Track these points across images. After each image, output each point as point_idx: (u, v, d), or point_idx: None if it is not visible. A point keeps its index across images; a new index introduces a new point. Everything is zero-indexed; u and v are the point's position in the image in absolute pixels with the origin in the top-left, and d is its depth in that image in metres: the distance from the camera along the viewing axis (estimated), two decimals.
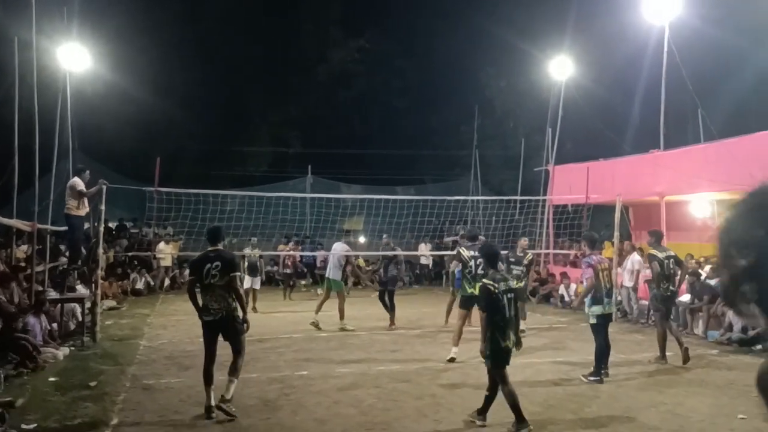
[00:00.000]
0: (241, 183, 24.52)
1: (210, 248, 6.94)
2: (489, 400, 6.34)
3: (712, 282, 12.39)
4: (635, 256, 13.77)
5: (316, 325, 12.24)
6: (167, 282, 19.64)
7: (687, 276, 11.06)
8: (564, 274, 16.95)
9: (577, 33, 23.42)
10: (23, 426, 6.23)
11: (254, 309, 14.18)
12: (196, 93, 26.77)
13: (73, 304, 11.83)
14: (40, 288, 11.31)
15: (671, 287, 9.45)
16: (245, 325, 6.82)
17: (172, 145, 25.27)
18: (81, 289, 12.10)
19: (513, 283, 6.47)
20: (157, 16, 25.53)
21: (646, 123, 22.18)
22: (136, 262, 19.13)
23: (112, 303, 15.50)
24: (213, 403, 6.61)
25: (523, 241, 12.86)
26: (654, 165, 15.02)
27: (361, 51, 32.20)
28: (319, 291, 16.29)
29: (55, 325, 10.88)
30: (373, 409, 6.91)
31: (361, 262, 19.96)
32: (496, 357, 6.21)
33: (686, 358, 8.99)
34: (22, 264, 12.52)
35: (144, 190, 14.58)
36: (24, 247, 14.70)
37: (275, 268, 21.46)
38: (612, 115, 24.75)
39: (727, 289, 1.04)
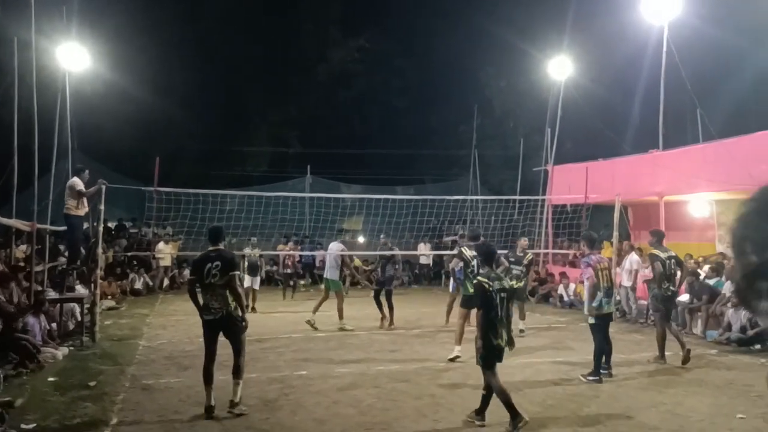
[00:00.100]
0: (240, 183, 24.53)
1: (211, 248, 6.98)
2: (487, 399, 6.35)
3: (711, 282, 12.41)
4: (633, 256, 13.78)
5: (311, 324, 12.24)
6: (166, 282, 19.64)
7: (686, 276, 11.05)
8: (563, 274, 16.97)
9: (576, 33, 23.41)
10: (23, 426, 6.23)
11: (253, 309, 14.19)
12: (195, 92, 26.77)
13: (72, 304, 11.83)
14: (40, 288, 11.31)
15: (671, 287, 9.45)
16: (243, 324, 6.85)
17: (172, 144, 25.27)
18: (80, 289, 12.10)
19: (507, 283, 6.51)
20: (157, 15, 25.52)
21: (645, 123, 22.19)
22: (135, 262, 19.12)
23: (111, 303, 15.50)
24: (212, 403, 6.64)
25: (523, 241, 12.86)
26: (653, 165, 15.03)
27: (361, 51, 32.20)
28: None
29: (54, 325, 10.88)
30: (372, 409, 6.92)
31: (357, 262, 19.99)
32: (488, 355, 6.25)
33: (686, 360, 8.99)
34: (21, 264, 12.51)
35: (143, 190, 14.59)
36: (23, 247, 14.69)
37: (275, 267, 21.46)
38: (611, 115, 24.76)
39: (741, 287, 1.03)
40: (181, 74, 26.38)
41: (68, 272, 11.85)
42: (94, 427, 6.31)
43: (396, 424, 6.43)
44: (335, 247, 12.83)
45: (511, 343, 6.43)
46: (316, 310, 12.49)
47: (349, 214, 19.49)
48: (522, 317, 11.97)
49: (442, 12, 31.21)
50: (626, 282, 13.64)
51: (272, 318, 13.91)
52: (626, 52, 22.93)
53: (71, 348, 10.11)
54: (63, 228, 12.36)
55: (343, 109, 31.66)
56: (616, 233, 14.46)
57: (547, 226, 19.14)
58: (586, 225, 17.79)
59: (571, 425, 6.40)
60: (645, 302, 13.46)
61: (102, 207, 11.30)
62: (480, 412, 6.38)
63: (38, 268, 11.83)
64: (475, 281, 6.78)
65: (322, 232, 20.68)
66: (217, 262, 6.74)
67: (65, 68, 15.35)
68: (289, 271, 18.61)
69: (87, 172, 11.60)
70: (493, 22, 27.81)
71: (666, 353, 9.37)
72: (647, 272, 13.99)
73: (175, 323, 13.12)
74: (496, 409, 6.62)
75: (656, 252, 9.53)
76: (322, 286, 13.29)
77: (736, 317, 10.99)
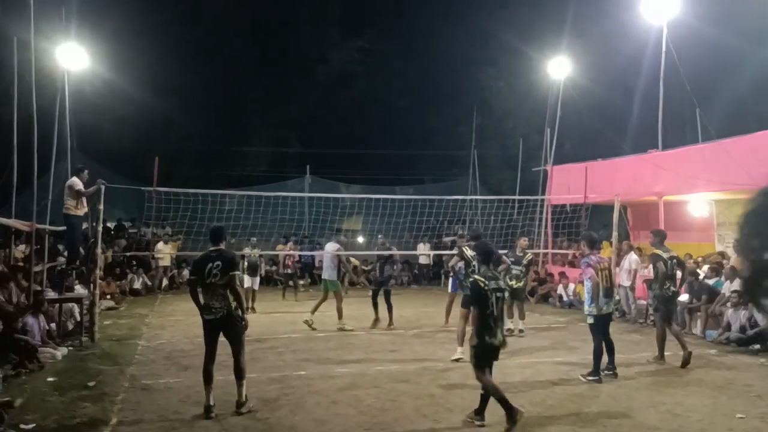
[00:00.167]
0: (239, 183, 24.51)
1: (212, 248, 6.99)
2: (485, 399, 6.36)
3: (711, 282, 12.41)
4: (632, 256, 13.79)
5: (309, 325, 12.24)
6: (165, 282, 19.64)
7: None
8: (562, 274, 16.98)
9: (575, 33, 23.48)
10: (22, 426, 6.22)
11: (252, 309, 14.18)
12: (194, 93, 26.74)
13: (71, 304, 11.82)
14: (39, 288, 11.30)
15: (672, 288, 9.44)
16: (244, 323, 6.87)
17: (171, 144, 25.24)
18: (79, 289, 12.09)
19: (503, 283, 6.56)
20: (156, 16, 25.51)
21: (644, 123, 22.21)
22: (134, 263, 19.11)
23: (110, 303, 15.50)
24: (211, 402, 6.65)
25: (523, 241, 12.87)
26: (652, 165, 15.04)
27: (361, 51, 32.19)
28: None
29: (53, 325, 10.86)
30: (371, 409, 6.92)
31: (356, 262, 20.01)
32: (480, 354, 6.29)
33: (687, 362, 8.97)
34: (20, 264, 12.50)
35: (142, 190, 14.57)
36: (22, 247, 14.68)
37: (274, 268, 21.46)
38: (610, 115, 24.81)
39: (749, 284, 1.02)
40: (181, 74, 26.35)
41: (67, 272, 11.84)
42: (94, 428, 6.30)
43: (395, 424, 6.43)
44: (331, 248, 12.82)
45: (503, 342, 6.45)
46: (314, 310, 12.49)
47: (348, 214, 19.49)
48: (521, 317, 11.98)
49: (442, 13, 31.25)
50: (625, 282, 13.65)
51: (272, 318, 13.91)
52: (625, 52, 22.96)
53: (70, 348, 10.11)
54: (62, 228, 12.35)
55: (342, 109, 31.65)
56: (615, 233, 14.47)
57: (546, 226, 19.15)
58: (586, 225, 17.80)
59: (571, 425, 6.40)
60: (644, 302, 13.47)
61: (101, 207, 11.30)
62: (479, 412, 6.38)
63: (37, 268, 11.82)
64: (471, 279, 6.80)
65: (322, 232, 20.70)
66: (218, 262, 6.76)
67: (64, 68, 15.34)
68: (289, 271, 18.60)
69: (86, 172, 11.59)
70: (493, 23, 27.85)
71: (665, 353, 9.38)
72: (646, 272, 14.02)
73: (174, 323, 13.12)
74: (495, 408, 6.62)
75: (659, 252, 9.51)
76: (321, 287, 13.28)
77: (736, 317, 11.00)
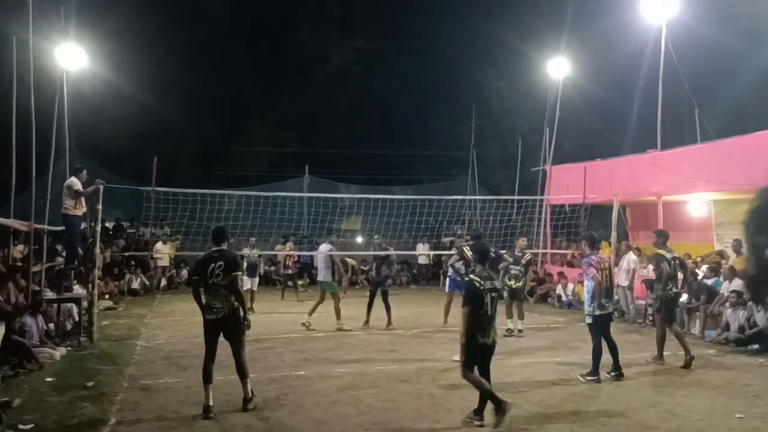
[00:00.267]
0: (238, 183, 24.49)
1: (214, 248, 7.02)
2: (484, 398, 6.36)
3: (710, 282, 12.42)
4: (631, 256, 13.80)
5: (307, 326, 12.23)
6: (164, 282, 19.62)
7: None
8: (561, 274, 16.98)
9: (574, 33, 23.49)
10: (20, 426, 6.21)
11: (251, 309, 14.15)
12: (193, 93, 26.74)
13: (69, 304, 11.80)
14: (37, 288, 11.28)
15: (675, 288, 9.43)
16: (246, 323, 6.89)
17: (170, 144, 25.22)
18: (78, 289, 12.07)
19: (498, 283, 6.59)
20: (155, 16, 25.50)
21: (643, 123, 22.21)
22: (133, 263, 19.09)
23: (109, 303, 15.48)
24: (211, 402, 6.64)
25: (522, 241, 12.88)
26: (651, 165, 15.05)
27: (360, 51, 32.18)
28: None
29: (52, 325, 10.85)
30: (371, 409, 6.91)
31: (352, 261, 20.00)
32: (469, 353, 6.33)
33: (687, 365, 8.95)
34: (19, 264, 12.48)
35: (141, 190, 14.56)
36: (20, 247, 14.65)
37: (272, 268, 21.45)
38: (609, 115, 24.81)
39: (753, 282, 1.00)
40: (180, 74, 26.34)
41: (66, 272, 11.83)
42: (93, 428, 6.29)
43: (395, 424, 6.42)
44: (324, 248, 12.81)
45: (495, 343, 6.48)
46: (311, 312, 12.47)
47: (347, 214, 19.49)
48: (521, 317, 11.98)
49: (441, 13, 31.27)
50: (624, 282, 13.65)
51: (271, 318, 13.90)
52: (624, 53, 22.96)
53: (69, 348, 10.09)
54: (61, 228, 12.34)
55: (341, 109, 31.66)
56: (614, 233, 14.47)
57: (545, 226, 19.16)
58: (585, 225, 17.82)
59: (570, 425, 6.40)
60: (643, 302, 13.49)
61: (100, 207, 11.29)
62: (479, 412, 6.38)
63: (36, 268, 11.80)
64: (466, 279, 6.82)
65: (321, 233, 20.66)
66: (221, 262, 6.78)
67: (63, 68, 15.33)
68: (290, 271, 18.59)
69: (85, 172, 11.59)
70: (492, 23, 27.87)
71: (664, 353, 9.38)
72: (645, 272, 14.04)
73: (173, 323, 13.11)
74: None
75: (662, 252, 9.49)
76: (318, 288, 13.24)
77: (735, 317, 11.01)
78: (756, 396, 7.49)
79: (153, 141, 23.86)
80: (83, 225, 12.22)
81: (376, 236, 14.11)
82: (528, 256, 12.78)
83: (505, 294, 11.96)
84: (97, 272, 11.71)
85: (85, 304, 11.34)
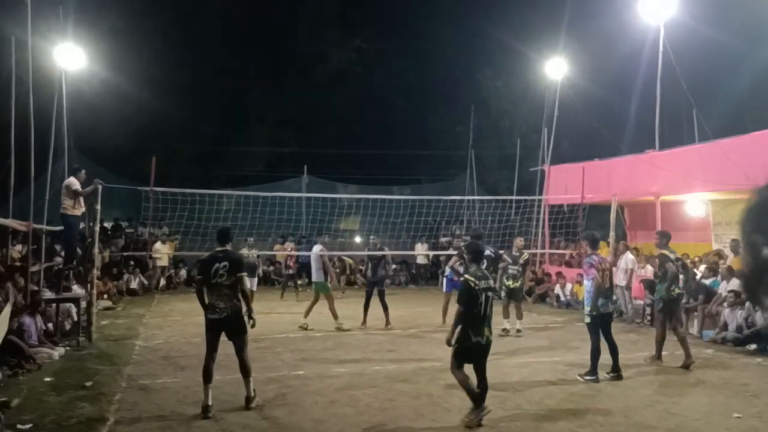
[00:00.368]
0: (237, 183, 24.49)
1: (218, 248, 7.05)
2: (482, 397, 6.37)
3: (708, 281, 12.44)
4: (629, 255, 13.83)
5: (305, 328, 12.23)
6: (163, 282, 19.61)
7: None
8: (560, 274, 17.00)
9: (572, 33, 23.50)
10: (19, 426, 6.21)
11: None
12: (192, 92, 26.70)
13: (68, 304, 11.80)
14: (36, 288, 11.28)
15: (677, 289, 9.42)
16: (251, 321, 6.95)
17: (169, 144, 25.21)
18: (76, 289, 12.07)
19: (492, 282, 6.62)
20: (154, 16, 25.49)
21: (641, 123, 22.27)
22: (131, 263, 19.08)
23: (107, 303, 15.48)
24: (210, 402, 6.65)
25: (519, 241, 12.91)
26: (649, 165, 15.07)
27: (359, 51, 32.18)
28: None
29: (50, 325, 10.84)
30: (370, 409, 6.92)
31: (349, 260, 20.01)
32: (461, 352, 6.38)
33: (686, 367, 8.95)
34: (18, 263, 12.49)
35: (140, 190, 14.55)
36: (19, 247, 14.66)
37: (271, 268, 21.45)
38: (608, 115, 24.85)
39: (749, 280, 1.00)
40: (178, 74, 26.32)
41: (64, 272, 11.83)
42: (91, 428, 6.29)
43: (393, 424, 6.43)
44: (315, 249, 12.82)
45: (490, 343, 6.51)
46: (307, 314, 12.46)
47: (346, 214, 19.50)
48: (519, 317, 11.99)
49: (440, 13, 31.27)
50: (621, 282, 13.67)
51: (270, 318, 13.89)
52: (623, 52, 22.98)
53: (68, 348, 10.09)
54: (59, 228, 12.34)
55: (340, 109, 31.62)
56: (612, 233, 14.49)
57: (543, 226, 19.18)
58: (583, 225, 17.86)
59: (569, 424, 6.41)
60: (641, 302, 13.51)
61: (98, 207, 11.28)
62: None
63: (34, 268, 11.81)
64: (461, 279, 6.85)
65: (319, 233, 20.66)
66: (225, 263, 6.82)
67: (62, 68, 15.32)
68: (291, 271, 18.58)
69: (83, 171, 11.59)
70: (490, 23, 27.88)
71: (662, 353, 9.39)
72: (643, 272, 14.07)
73: (172, 323, 13.11)
74: (494, 409, 6.64)
75: (666, 253, 9.47)
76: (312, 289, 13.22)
77: (733, 317, 11.03)
78: (754, 395, 7.50)
79: (151, 141, 23.83)
80: (82, 225, 12.22)
81: (371, 237, 14.10)
82: (525, 256, 12.80)
83: (503, 294, 12.00)
84: (95, 272, 11.70)
85: (83, 304, 11.34)
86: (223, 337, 6.91)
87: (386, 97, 31.59)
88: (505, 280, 12.11)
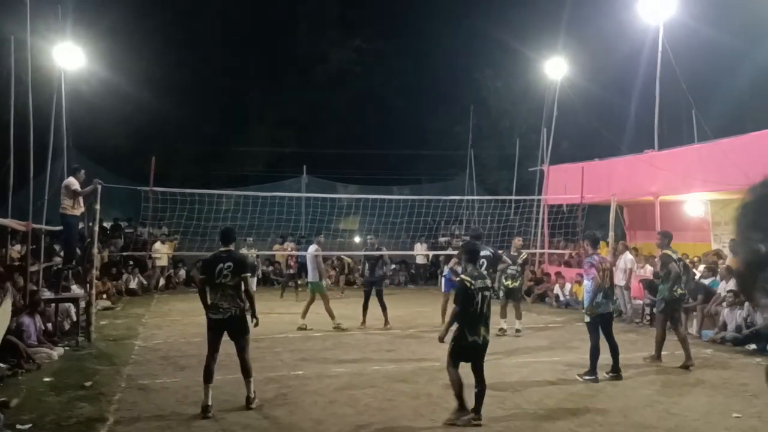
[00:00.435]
0: (236, 183, 24.49)
1: (222, 248, 7.06)
2: (479, 396, 6.38)
3: (707, 281, 12.44)
4: (628, 255, 13.84)
5: (304, 328, 12.23)
6: (162, 282, 19.60)
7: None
8: (559, 274, 17.01)
9: (572, 33, 23.52)
10: (18, 426, 6.21)
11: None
12: (192, 92, 26.69)
13: (67, 304, 11.79)
14: (35, 288, 11.27)
15: (680, 290, 9.40)
16: (255, 321, 6.99)
17: (168, 144, 25.21)
18: (75, 289, 12.06)
19: (489, 282, 6.64)
20: (153, 15, 25.47)
21: (640, 123, 22.27)
22: (131, 262, 19.07)
23: (106, 303, 15.47)
24: (210, 402, 6.65)
25: (517, 241, 12.93)
26: (649, 165, 15.08)
27: (359, 51, 32.18)
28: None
29: (50, 325, 10.84)
30: (369, 409, 6.92)
31: (348, 259, 20.00)
32: (457, 351, 6.42)
33: (685, 368, 8.95)
34: (17, 263, 12.47)
35: (139, 190, 14.54)
36: (18, 247, 14.64)
37: (270, 268, 21.44)
38: (607, 115, 24.86)
39: (744, 276, 1.00)
40: (178, 74, 26.32)
41: (64, 272, 11.82)
42: (91, 427, 6.29)
43: (393, 424, 6.43)
44: (311, 249, 12.84)
45: (486, 342, 6.53)
46: (304, 314, 12.45)
47: (345, 214, 19.50)
48: (518, 317, 12.00)
49: (439, 13, 31.28)
50: (621, 281, 13.68)
51: (269, 318, 13.86)
52: (622, 52, 23.00)
53: (67, 348, 10.08)
54: (59, 228, 12.33)
55: (340, 109, 31.63)
56: (611, 233, 14.50)
57: (543, 226, 19.18)
58: (582, 225, 17.86)
59: (568, 424, 6.41)
60: (640, 302, 13.51)
61: (98, 207, 11.28)
62: (476, 411, 6.39)
63: (33, 268, 11.80)
64: (458, 279, 6.86)
65: (319, 233, 20.66)
66: (229, 263, 6.83)
67: (61, 67, 15.30)
68: (292, 271, 18.57)
69: (83, 171, 11.57)
70: (490, 23, 27.89)
71: (662, 353, 9.38)
72: (642, 272, 14.07)
73: (171, 323, 13.11)
74: (493, 408, 6.65)
75: (669, 253, 9.44)
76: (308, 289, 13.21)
77: (732, 317, 11.04)
78: (753, 395, 7.50)
79: (151, 140, 23.82)
80: (81, 225, 12.22)
81: (369, 236, 14.10)
82: (524, 256, 12.82)
83: (501, 294, 12.01)
84: (94, 272, 11.69)
85: (82, 304, 11.34)
86: (225, 337, 6.91)
87: (386, 97, 31.59)
88: (504, 280, 12.12)
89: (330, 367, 8.98)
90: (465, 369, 6.53)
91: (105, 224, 20.18)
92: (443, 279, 13.31)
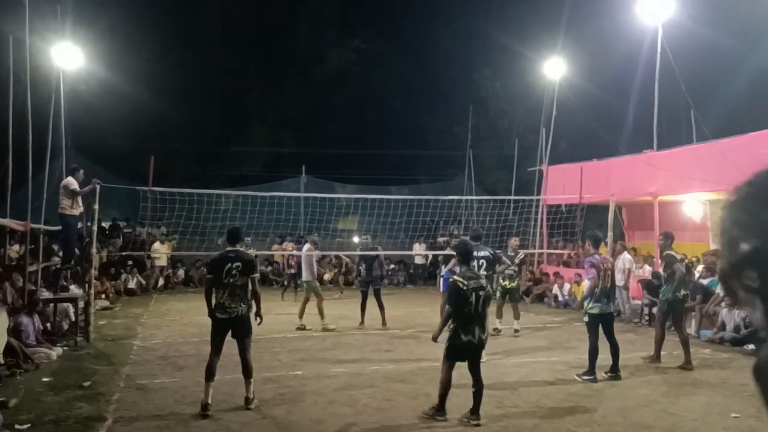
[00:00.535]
0: (235, 182, 24.49)
1: (229, 248, 7.08)
2: (477, 396, 6.39)
3: (705, 281, 12.45)
4: (626, 255, 13.84)
5: (303, 328, 12.22)
6: (161, 282, 19.58)
7: None
8: (557, 274, 17.01)
9: (571, 34, 23.53)
10: (17, 426, 6.20)
11: None
12: (191, 92, 26.72)
13: (66, 304, 11.78)
14: (33, 288, 11.26)
15: (683, 290, 9.39)
16: (258, 319, 7.04)
17: (167, 144, 25.22)
18: (74, 289, 12.05)
19: (484, 281, 6.65)
20: (152, 14, 25.47)
21: (639, 123, 22.29)
22: (129, 262, 19.06)
23: (105, 303, 15.45)
24: (209, 400, 6.65)
25: (513, 241, 12.96)
26: (647, 165, 15.09)
27: (358, 51, 32.20)
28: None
29: (48, 325, 10.83)
30: (368, 409, 6.92)
31: (346, 258, 19.99)
32: (452, 350, 6.45)
33: (684, 368, 8.95)
34: (15, 263, 12.47)
35: (137, 190, 14.54)
36: (16, 247, 14.63)
37: (269, 268, 21.43)
38: (606, 115, 24.89)
39: (728, 275, 1.00)
40: (177, 74, 26.33)
41: (62, 272, 11.81)
42: (89, 427, 6.29)
43: (392, 424, 6.44)
44: (305, 248, 12.84)
45: (482, 342, 6.54)
46: (301, 314, 12.44)
47: (344, 214, 19.49)
48: (516, 317, 12.00)
49: (439, 14, 31.32)
50: (619, 282, 13.67)
51: (267, 318, 13.82)
52: (621, 53, 23.03)
53: (65, 348, 10.06)
54: (57, 228, 12.32)
55: (339, 109, 31.65)
56: (610, 233, 14.50)
57: (541, 226, 19.19)
58: (581, 225, 17.86)
59: (566, 424, 6.42)
60: (639, 302, 13.52)
61: (96, 206, 11.27)
62: (474, 411, 6.40)
63: (32, 268, 11.79)
64: (450, 280, 6.88)
65: (317, 233, 20.67)
66: (238, 263, 6.84)
67: (59, 67, 15.30)
68: (293, 271, 18.56)
69: (82, 171, 11.58)
70: (489, 24, 27.94)
71: (661, 353, 9.39)
72: (640, 272, 14.08)
73: (170, 323, 13.10)
74: (491, 408, 6.65)
75: (673, 254, 9.42)
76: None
77: (730, 317, 11.05)
78: (751, 395, 7.49)
79: (150, 140, 23.83)
80: (80, 225, 12.21)
81: (365, 236, 14.10)
82: (521, 255, 12.85)
83: (497, 294, 12.01)
84: (93, 272, 11.68)
85: (81, 304, 11.32)
86: (232, 336, 6.92)
87: (385, 98, 31.62)
88: (501, 281, 12.12)
89: (329, 367, 8.98)
90: (462, 369, 6.54)
91: (103, 224, 20.16)
92: (441, 279, 13.30)
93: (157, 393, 7.55)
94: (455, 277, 6.62)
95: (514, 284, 12.19)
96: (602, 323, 8.38)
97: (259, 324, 7.08)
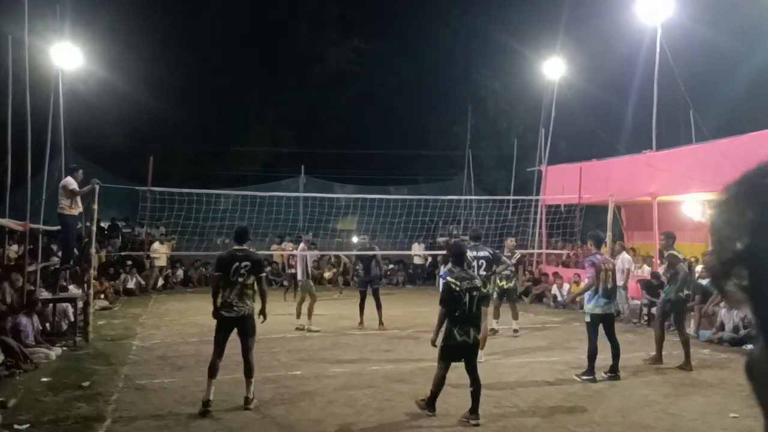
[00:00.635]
0: (234, 182, 24.49)
1: (236, 247, 7.11)
2: (475, 395, 6.40)
3: (704, 282, 12.45)
4: (625, 256, 13.85)
5: (302, 329, 12.22)
6: (160, 282, 19.57)
7: None
8: (556, 274, 17.01)
9: (570, 34, 23.53)
10: (16, 426, 6.20)
11: None
12: (190, 92, 26.72)
13: (65, 304, 11.77)
14: (32, 288, 11.26)
15: (686, 291, 9.39)
16: (261, 318, 7.06)
17: (166, 144, 25.22)
18: (73, 289, 12.05)
19: (478, 282, 6.69)
20: (151, 14, 25.46)
21: (638, 123, 22.30)
22: (129, 262, 19.04)
23: (104, 303, 15.44)
24: (211, 397, 6.66)
25: (510, 241, 12.98)
26: (646, 165, 15.10)
27: (357, 51, 32.21)
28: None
29: (47, 325, 10.83)
30: (367, 409, 6.92)
31: (345, 258, 19.98)
32: (447, 351, 6.47)
33: (683, 369, 8.95)
34: (13, 263, 12.46)
35: (136, 190, 14.54)
36: (15, 247, 14.62)
37: (268, 268, 21.40)
38: (605, 115, 24.89)
39: (717, 273, 1.01)
40: (176, 74, 26.32)
41: (61, 272, 11.80)
42: (88, 427, 6.28)
43: (391, 424, 6.43)
44: (299, 248, 12.85)
45: (477, 342, 6.58)
46: (298, 314, 12.43)
47: (343, 214, 19.50)
48: (515, 317, 11.99)
49: (438, 13, 31.34)
50: (618, 281, 13.66)
51: (268, 318, 13.84)
52: (620, 53, 23.05)
53: (64, 348, 10.05)
54: (56, 228, 12.31)
55: (339, 109, 31.66)
56: (609, 233, 14.51)
57: (540, 226, 19.19)
58: (580, 225, 17.88)
59: (566, 424, 6.42)
60: (638, 302, 13.53)
61: (95, 206, 11.27)
62: (474, 411, 6.40)
63: (31, 268, 11.78)
64: (443, 281, 6.89)
65: (316, 232, 20.69)
66: (246, 262, 6.86)
67: (59, 67, 15.29)
68: (293, 271, 18.54)
69: (81, 171, 11.57)
70: (488, 24, 27.95)
71: (662, 353, 9.39)
72: (639, 272, 14.09)
73: (169, 323, 13.07)
74: (490, 409, 6.65)
75: (676, 254, 9.41)
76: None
77: (729, 317, 11.05)
78: (750, 395, 7.50)
79: (149, 140, 23.83)
80: (79, 225, 12.21)
81: (363, 236, 14.10)
82: (517, 256, 12.86)
83: (495, 295, 11.99)
84: (92, 272, 11.68)
85: (80, 304, 11.32)
86: (236, 335, 6.92)
87: (385, 97, 31.64)
88: (498, 281, 12.11)
89: (328, 367, 8.98)
90: (460, 369, 6.54)
91: (102, 224, 20.15)
92: (439, 279, 13.31)
93: (156, 393, 7.55)
94: (448, 278, 6.66)
95: (511, 284, 12.19)
96: (603, 323, 8.38)
97: (262, 322, 7.10)
